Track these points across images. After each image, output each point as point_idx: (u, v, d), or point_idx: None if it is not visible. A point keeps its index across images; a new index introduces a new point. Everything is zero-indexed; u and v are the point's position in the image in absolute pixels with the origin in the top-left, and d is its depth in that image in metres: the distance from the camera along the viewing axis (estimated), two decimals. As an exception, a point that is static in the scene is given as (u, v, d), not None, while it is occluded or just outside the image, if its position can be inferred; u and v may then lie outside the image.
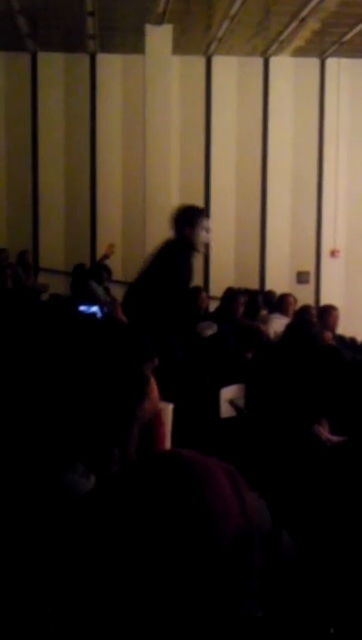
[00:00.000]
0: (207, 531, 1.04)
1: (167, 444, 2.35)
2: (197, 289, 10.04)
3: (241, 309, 8.85)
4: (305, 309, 9.26)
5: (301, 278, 13.60)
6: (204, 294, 10.03)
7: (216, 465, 1.11)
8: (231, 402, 6.33)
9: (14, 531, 1.72)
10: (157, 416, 2.28)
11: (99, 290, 11.13)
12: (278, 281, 12.92)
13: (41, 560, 1.57)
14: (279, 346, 6.36)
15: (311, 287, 13.62)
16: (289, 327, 6.68)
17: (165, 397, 3.46)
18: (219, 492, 1.07)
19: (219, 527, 1.05)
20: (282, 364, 5.23)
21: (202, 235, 5.85)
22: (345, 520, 2.87)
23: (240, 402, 6.12)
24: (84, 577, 1.04)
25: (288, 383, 4.59)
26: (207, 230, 5.93)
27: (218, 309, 9.15)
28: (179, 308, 5.94)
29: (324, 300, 12.16)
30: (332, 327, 8.41)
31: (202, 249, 5.91)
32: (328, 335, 7.07)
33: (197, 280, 11.31)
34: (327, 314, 8.67)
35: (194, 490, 1.06)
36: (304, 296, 11.49)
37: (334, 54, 13.16)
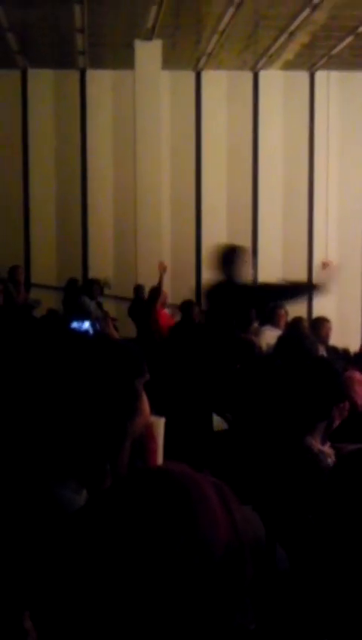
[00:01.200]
0: (197, 546, 1.05)
1: (159, 458, 2.35)
2: (190, 303, 10.08)
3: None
4: (297, 321, 9.27)
5: (293, 290, 13.61)
6: (197, 308, 10.05)
7: (205, 480, 1.12)
8: (222, 415, 6.33)
9: (5, 548, 1.72)
10: (148, 431, 2.29)
11: (92, 306, 11.15)
12: (270, 294, 12.92)
13: (31, 576, 1.57)
14: (271, 358, 6.37)
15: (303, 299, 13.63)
16: (281, 339, 6.69)
17: (157, 411, 3.45)
18: (208, 506, 1.08)
19: (209, 541, 1.06)
20: (274, 376, 5.24)
21: (244, 271, 6.38)
22: (342, 533, 2.87)
23: (230, 414, 6.12)
24: (76, 593, 1.04)
25: (280, 395, 4.60)
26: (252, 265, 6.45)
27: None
28: None
29: (316, 312, 12.17)
30: (324, 339, 8.43)
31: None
32: (320, 347, 7.08)
33: (190, 294, 11.35)
34: (320, 326, 8.69)
35: (184, 505, 1.06)
36: (296, 308, 11.49)
37: (323, 67, 13.24)
